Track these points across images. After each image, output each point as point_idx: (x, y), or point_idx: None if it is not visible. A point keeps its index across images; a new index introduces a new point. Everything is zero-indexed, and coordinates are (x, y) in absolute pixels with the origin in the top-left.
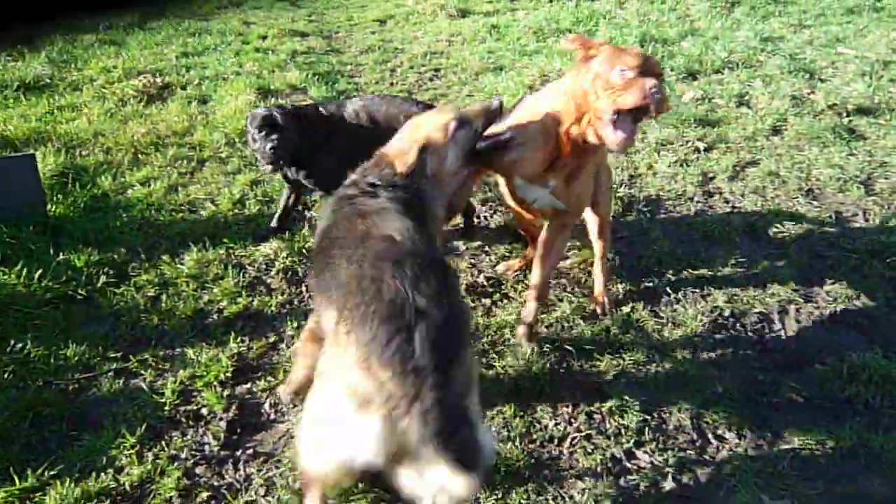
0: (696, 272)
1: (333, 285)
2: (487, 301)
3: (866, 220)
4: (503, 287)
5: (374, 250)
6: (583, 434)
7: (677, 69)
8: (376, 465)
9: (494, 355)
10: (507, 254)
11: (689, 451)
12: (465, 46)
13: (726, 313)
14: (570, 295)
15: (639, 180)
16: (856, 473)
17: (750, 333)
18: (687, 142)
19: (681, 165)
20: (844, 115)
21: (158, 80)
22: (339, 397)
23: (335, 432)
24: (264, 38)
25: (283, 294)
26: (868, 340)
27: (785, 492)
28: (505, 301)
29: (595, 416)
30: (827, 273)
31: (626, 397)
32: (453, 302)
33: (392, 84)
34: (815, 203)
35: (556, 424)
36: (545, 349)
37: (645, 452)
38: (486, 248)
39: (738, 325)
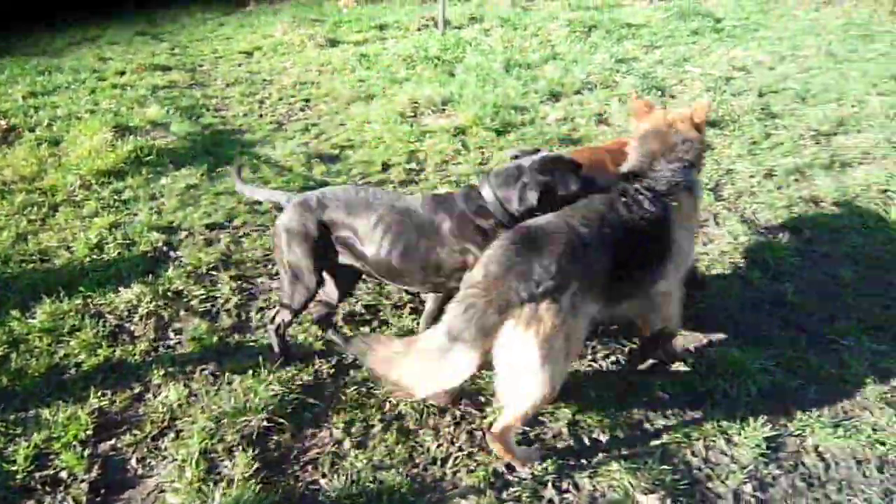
0: None
1: None
2: (366, 329)
3: (717, 224)
4: (381, 313)
5: None
6: (465, 452)
7: (541, 92)
8: None
9: (375, 384)
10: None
11: (567, 458)
12: (335, 76)
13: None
14: None
15: None
16: (717, 462)
17: (621, 338)
18: None
19: None
20: None
21: (3, 122)
22: None
23: None
24: (122, 73)
25: (147, 341)
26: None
27: (657, 485)
28: (384, 328)
29: (476, 433)
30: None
31: None
32: None
33: (261, 116)
34: None
35: (439, 446)
36: None
37: (525, 465)
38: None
39: (608, 333)
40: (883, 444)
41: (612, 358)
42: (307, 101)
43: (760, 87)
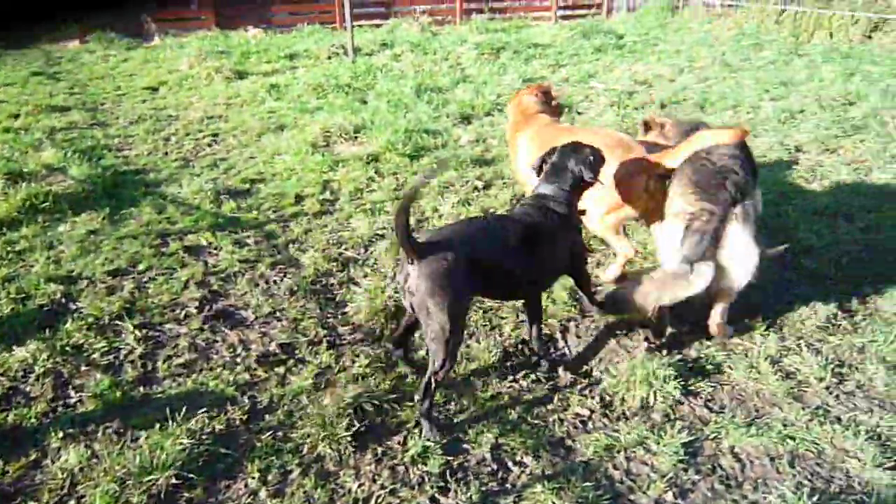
0: (482, 307)
1: None
2: (281, 369)
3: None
4: (297, 352)
5: None
6: (387, 490)
7: (452, 115)
8: None
9: (292, 425)
10: (298, 316)
11: (491, 484)
12: (244, 108)
13: (513, 341)
14: (367, 349)
15: (426, 223)
16: (638, 472)
17: (537, 355)
18: (467, 182)
19: (463, 205)
20: None
21: None
22: None
23: None
24: (17, 116)
25: (45, 402)
26: (635, 342)
27: (582, 502)
28: (300, 366)
29: (398, 468)
30: (601, 285)
31: (429, 442)
32: None
33: (166, 154)
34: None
35: (360, 486)
36: (342, 410)
37: (449, 497)
38: (277, 314)
39: (525, 350)
40: (793, 438)
41: (533, 376)
42: (215, 135)
43: (662, 99)
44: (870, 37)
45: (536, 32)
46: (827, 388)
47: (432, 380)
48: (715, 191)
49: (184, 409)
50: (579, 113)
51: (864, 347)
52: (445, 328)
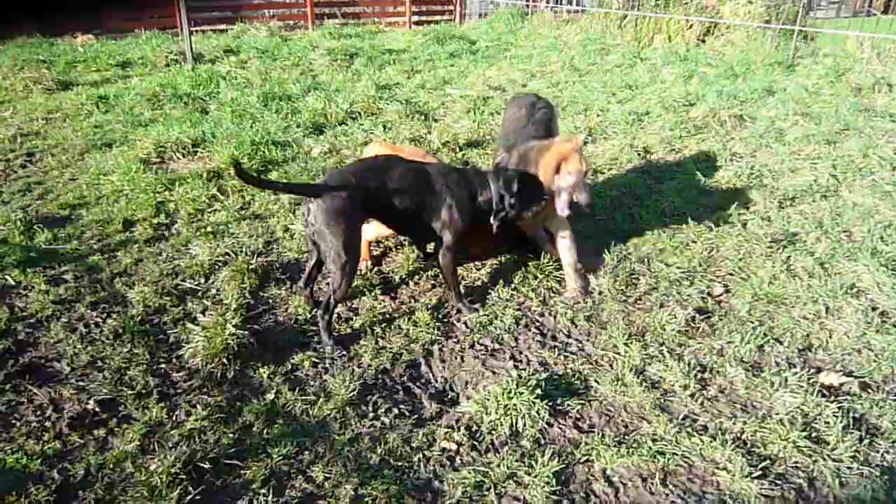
0: (338, 334)
1: None
2: (101, 431)
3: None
4: (121, 408)
5: None
6: None
7: (303, 125)
8: None
9: (112, 502)
10: (123, 364)
11: None
12: (66, 123)
13: (372, 372)
14: (205, 397)
15: (276, 245)
16: None
17: (399, 385)
18: None
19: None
20: (458, 149)
21: None
22: None
23: None
24: None
25: None
26: (501, 361)
27: None
28: (124, 425)
29: None
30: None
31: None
32: None
33: None
34: None
35: None
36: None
37: None
38: (98, 363)
39: (387, 380)
40: (663, 454)
41: (396, 410)
42: (30, 155)
43: None
44: (703, 41)
45: (390, 38)
46: (692, 395)
47: (332, 299)
48: None
49: None
50: (435, 120)
51: (723, 349)
52: (341, 253)
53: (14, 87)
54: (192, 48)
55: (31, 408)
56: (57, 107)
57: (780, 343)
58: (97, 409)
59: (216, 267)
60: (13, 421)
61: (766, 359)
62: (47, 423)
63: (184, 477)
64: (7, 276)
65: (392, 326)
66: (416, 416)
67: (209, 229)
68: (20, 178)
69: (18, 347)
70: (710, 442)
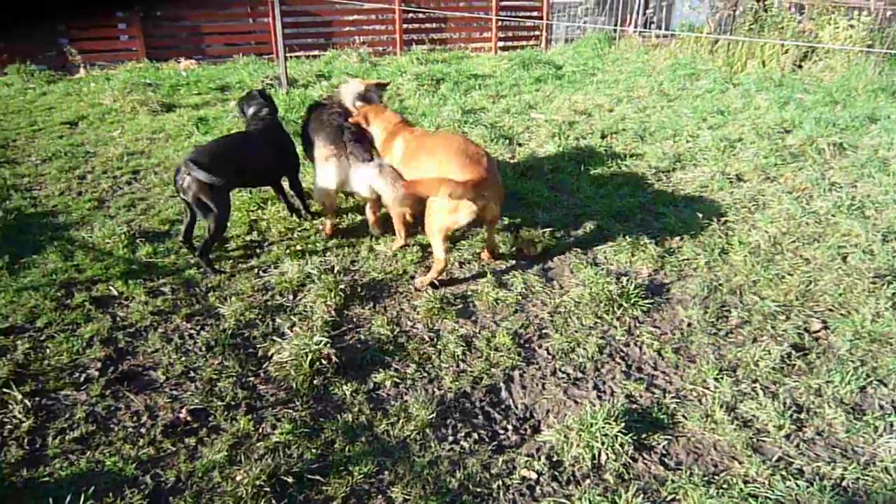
0: (419, 355)
1: None
2: (192, 440)
3: (572, 273)
4: (211, 418)
5: None
6: None
7: None
8: None
9: None
10: (214, 376)
11: None
12: (168, 143)
13: (452, 395)
14: (290, 411)
15: (361, 264)
16: None
17: (479, 409)
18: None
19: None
20: (547, 174)
21: None
22: None
23: None
24: None
25: None
26: (583, 390)
27: None
28: (214, 436)
29: None
30: (546, 327)
31: None
32: None
33: (80, 193)
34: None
35: None
36: (259, 489)
37: None
38: (191, 373)
39: (467, 404)
40: (756, 497)
41: (475, 435)
42: (135, 172)
43: (602, 129)
44: (800, 66)
45: (476, 63)
46: (787, 436)
47: (209, 243)
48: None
49: (72, 497)
50: (520, 144)
51: (821, 389)
52: (214, 210)
53: (123, 108)
54: (286, 73)
55: (129, 414)
56: (160, 127)
57: (885, 385)
58: (189, 418)
59: (304, 284)
60: (111, 425)
61: (868, 401)
62: (142, 430)
63: (268, 490)
64: (111, 287)
65: (472, 349)
66: (495, 442)
67: (298, 247)
68: (126, 193)
69: (119, 355)
70: (807, 487)
